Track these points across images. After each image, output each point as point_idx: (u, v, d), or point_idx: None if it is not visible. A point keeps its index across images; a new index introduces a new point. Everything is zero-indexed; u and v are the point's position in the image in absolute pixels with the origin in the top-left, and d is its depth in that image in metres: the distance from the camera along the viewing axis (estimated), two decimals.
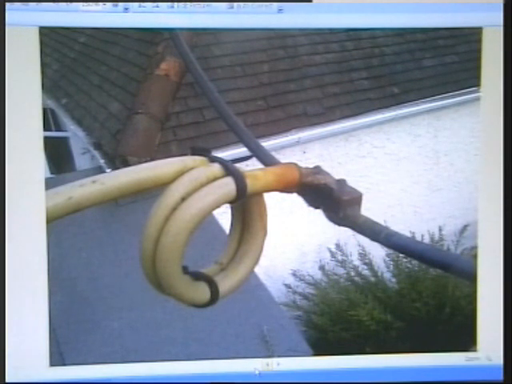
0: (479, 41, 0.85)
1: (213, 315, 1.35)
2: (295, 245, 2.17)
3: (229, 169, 0.37)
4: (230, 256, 0.43)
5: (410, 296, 1.84)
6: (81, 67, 2.32)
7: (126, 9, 0.81)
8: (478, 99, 0.88)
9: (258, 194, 0.40)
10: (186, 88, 1.84)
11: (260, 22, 0.83)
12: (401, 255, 1.90)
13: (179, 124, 1.81)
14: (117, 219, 1.64)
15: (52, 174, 2.23)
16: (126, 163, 1.67)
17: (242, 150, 1.60)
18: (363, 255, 2.01)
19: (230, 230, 0.43)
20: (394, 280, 1.98)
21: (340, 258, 2.04)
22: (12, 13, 0.79)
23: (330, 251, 2.06)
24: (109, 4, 0.81)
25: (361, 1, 0.83)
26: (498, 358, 0.85)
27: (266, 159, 0.58)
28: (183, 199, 0.35)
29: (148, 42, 1.98)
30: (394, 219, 2.25)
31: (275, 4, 0.82)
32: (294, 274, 2.08)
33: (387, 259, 1.99)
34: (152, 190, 0.36)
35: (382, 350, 1.66)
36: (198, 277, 0.40)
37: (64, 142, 2.39)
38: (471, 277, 0.39)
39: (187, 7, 0.81)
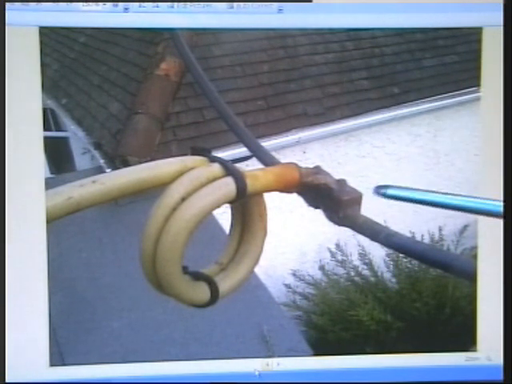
0: (479, 41, 0.85)
1: (213, 315, 1.35)
2: (295, 245, 2.17)
3: (229, 169, 0.37)
4: (229, 256, 0.43)
5: (409, 296, 1.84)
6: (81, 67, 2.32)
7: (126, 9, 0.81)
8: (478, 99, 0.88)
9: (258, 194, 0.40)
10: (186, 88, 1.84)
11: (260, 22, 0.83)
12: (401, 255, 1.90)
13: (179, 124, 1.81)
14: (117, 219, 1.64)
15: (52, 174, 2.23)
16: (126, 163, 1.67)
17: (241, 150, 1.60)
18: (363, 255, 2.01)
19: (230, 230, 0.43)
20: (394, 280, 1.98)
21: (340, 258, 2.04)
22: (12, 13, 0.79)
23: (330, 251, 2.06)
24: (109, 4, 0.81)
25: (361, 1, 0.83)
26: (497, 357, 0.85)
27: (266, 159, 0.58)
28: (183, 199, 0.35)
29: (148, 42, 1.98)
30: (394, 219, 2.25)
31: (275, 4, 0.82)
32: (293, 274, 2.07)
33: (387, 259, 1.99)
34: (152, 190, 0.36)
35: (382, 350, 1.66)
36: (197, 277, 0.40)
37: (64, 142, 2.39)
38: (471, 277, 0.39)
39: (187, 7, 0.81)
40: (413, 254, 0.41)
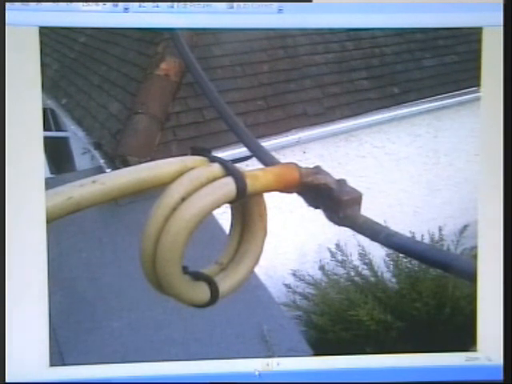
0: (479, 41, 0.85)
1: (213, 315, 1.35)
2: (295, 245, 2.17)
3: (229, 169, 0.37)
4: (229, 256, 0.43)
5: (410, 296, 1.84)
6: (81, 67, 2.32)
7: (126, 9, 0.81)
8: (478, 99, 0.88)
9: (258, 194, 0.40)
10: (186, 88, 1.84)
11: (260, 22, 0.83)
12: (401, 255, 1.91)
13: (179, 124, 1.80)
14: (117, 219, 1.64)
15: (52, 174, 2.23)
16: (126, 163, 1.67)
17: (241, 150, 1.60)
18: (363, 255, 2.01)
19: (230, 230, 0.43)
20: (394, 280, 1.98)
21: (340, 258, 2.04)
22: (12, 13, 0.79)
23: (330, 251, 2.06)
24: (109, 4, 0.81)
25: (361, 1, 0.83)
26: (497, 357, 0.85)
27: (266, 159, 0.58)
28: (183, 199, 0.35)
29: (148, 42, 1.98)
30: (394, 219, 2.25)
31: (275, 4, 0.82)
32: (293, 274, 2.07)
33: (387, 259, 1.99)
34: (152, 190, 0.36)
35: (382, 350, 1.66)
36: (197, 277, 0.40)
37: (64, 141, 2.39)
38: (471, 277, 0.39)
39: (187, 7, 0.81)
40: (413, 254, 0.41)
